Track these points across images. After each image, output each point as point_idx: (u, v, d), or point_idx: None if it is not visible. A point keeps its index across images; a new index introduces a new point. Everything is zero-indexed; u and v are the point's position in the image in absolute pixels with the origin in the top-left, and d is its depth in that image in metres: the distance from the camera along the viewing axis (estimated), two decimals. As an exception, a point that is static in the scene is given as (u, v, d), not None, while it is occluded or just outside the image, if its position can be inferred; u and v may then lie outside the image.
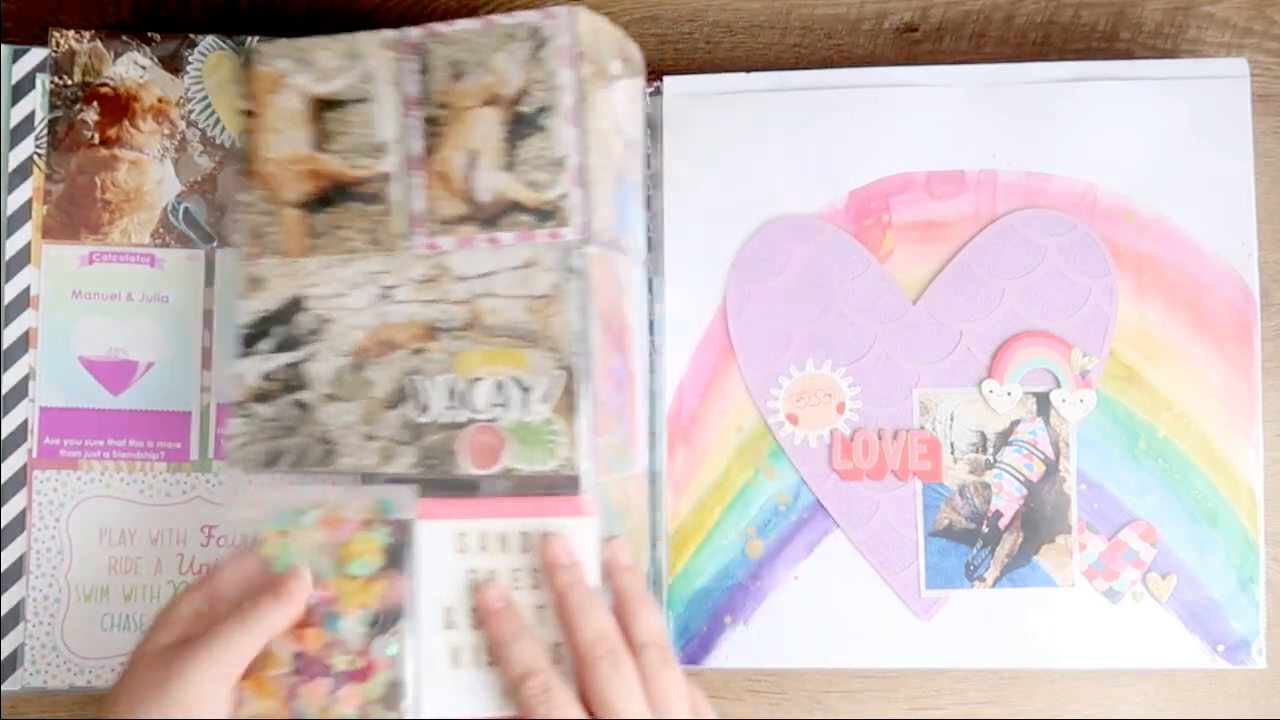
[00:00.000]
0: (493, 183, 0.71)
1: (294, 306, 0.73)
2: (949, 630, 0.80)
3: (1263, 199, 0.81)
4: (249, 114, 0.75)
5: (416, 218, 0.72)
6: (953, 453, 0.80)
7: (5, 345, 0.80)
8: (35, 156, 0.81)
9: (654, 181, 0.83)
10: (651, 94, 0.83)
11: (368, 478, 0.74)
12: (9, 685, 0.79)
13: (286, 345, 0.73)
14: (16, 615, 0.80)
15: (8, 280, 0.80)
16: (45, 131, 0.81)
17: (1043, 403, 0.80)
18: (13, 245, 0.80)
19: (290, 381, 0.72)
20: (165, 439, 0.81)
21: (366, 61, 0.73)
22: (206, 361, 0.81)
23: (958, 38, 0.86)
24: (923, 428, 0.80)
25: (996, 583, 0.80)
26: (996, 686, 0.84)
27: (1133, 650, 0.80)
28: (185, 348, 0.81)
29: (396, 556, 0.68)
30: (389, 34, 0.73)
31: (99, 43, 0.81)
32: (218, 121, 0.81)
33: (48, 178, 0.80)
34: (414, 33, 0.73)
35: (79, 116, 0.81)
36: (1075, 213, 0.80)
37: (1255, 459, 0.79)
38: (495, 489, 0.71)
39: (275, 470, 0.72)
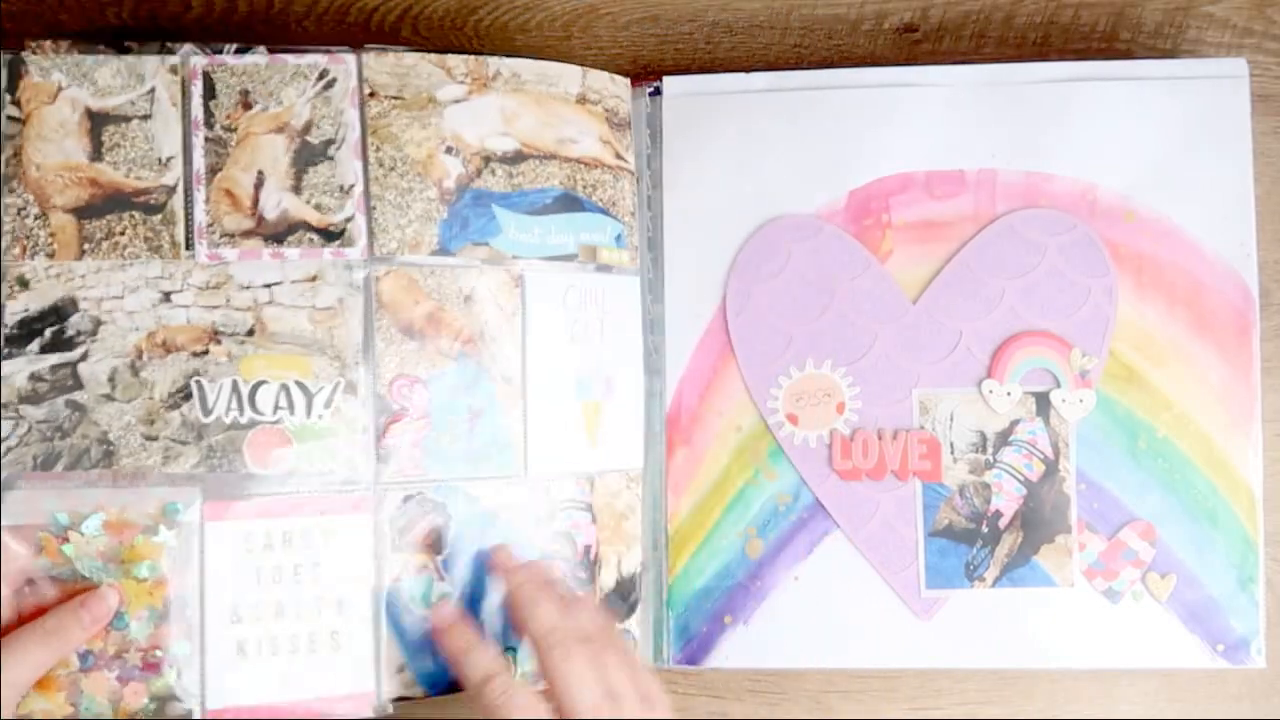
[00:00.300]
0: (280, 202, 0.75)
1: (65, 308, 0.74)
2: (949, 630, 0.80)
3: (1262, 199, 0.82)
4: (18, 121, 0.75)
5: (200, 230, 0.74)
6: (952, 452, 0.80)
7: None
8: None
9: (654, 181, 0.83)
10: (651, 94, 0.83)
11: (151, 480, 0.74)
12: None
13: (56, 346, 0.73)
14: None
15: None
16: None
17: (1042, 402, 0.80)
18: None
19: (62, 382, 0.73)
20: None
21: (149, 82, 0.75)
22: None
23: (958, 38, 0.86)
24: (922, 427, 0.80)
25: (996, 582, 0.80)
26: (996, 686, 0.84)
27: (1132, 650, 0.80)
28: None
29: (183, 557, 0.71)
30: (173, 59, 0.75)
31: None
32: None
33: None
34: (200, 61, 0.75)
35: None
36: (1075, 213, 0.80)
37: (1254, 459, 0.79)
38: (280, 488, 0.73)
39: (52, 472, 0.72)
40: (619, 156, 0.81)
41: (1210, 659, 0.79)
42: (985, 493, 0.80)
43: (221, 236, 0.75)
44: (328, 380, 0.74)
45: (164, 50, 0.76)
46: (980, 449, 0.80)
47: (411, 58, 0.77)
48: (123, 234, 0.74)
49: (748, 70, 0.84)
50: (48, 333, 0.73)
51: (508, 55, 0.79)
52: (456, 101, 0.78)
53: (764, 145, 0.82)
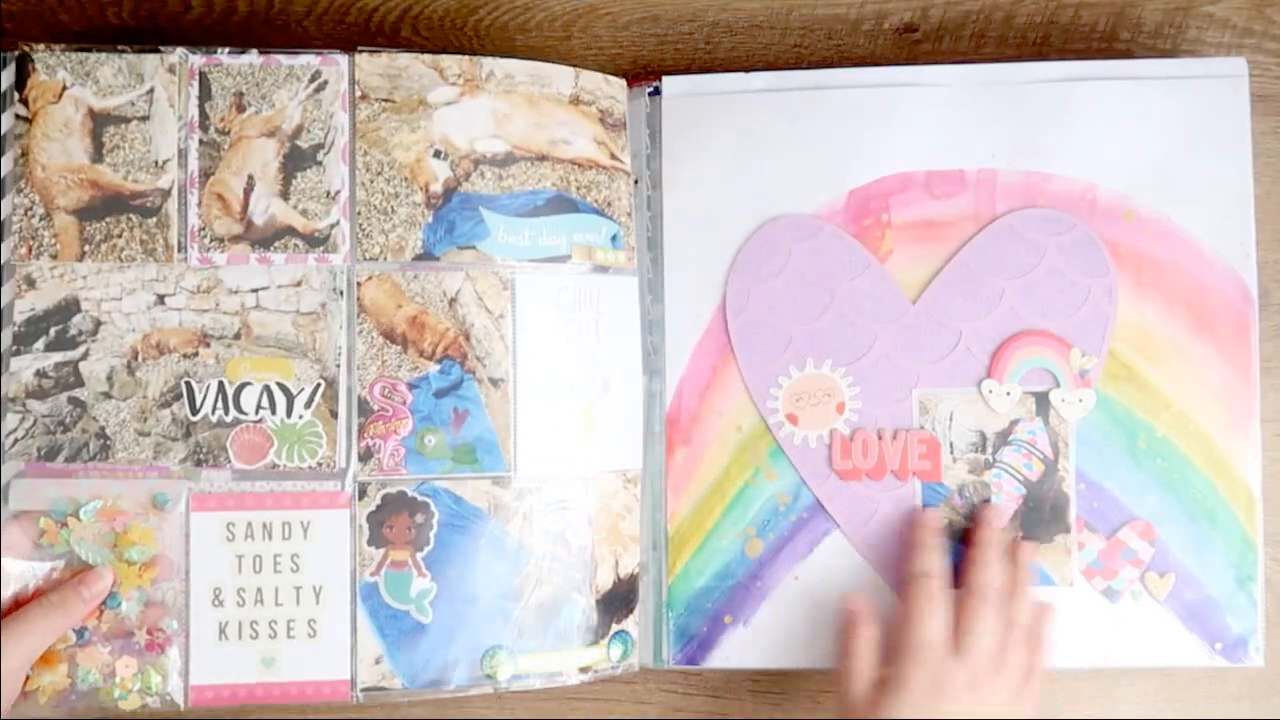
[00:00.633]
0: (268, 207, 0.77)
1: (68, 307, 0.76)
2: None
3: (1262, 199, 0.82)
4: (25, 120, 0.77)
5: (192, 233, 0.77)
6: (952, 452, 0.80)
7: None
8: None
9: (653, 181, 0.83)
10: (651, 94, 0.83)
11: (143, 472, 0.78)
12: None
13: (60, 345, 0.76)
14: None
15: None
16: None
17: (1042, 402, 0.80)
18: None
19: (65, 379, 0.76)
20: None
21: (148, 82, 0.77)
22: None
23: (958, 38, 0.86)
24: (922, 427, 0.80)
25: (996, 582, 0.80)
26: (996, 686, 0.85)
27: (1131, 649, 0.80)
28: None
29: (170, 543, 0.76)
30: (173, 58, 0.77)
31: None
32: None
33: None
34: (197, 60, 0.77)
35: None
36: (1075, 212, 0.80)
37: (1253, 458, 0.79)
38: (261, 483, 0.77)
39: (54, 463, 0.76)
40: (614, 157, 0.81)
41: (1208, 657, 0.79)
42: (985, 492, 0.80)
43: (212, 241, 0.77)
44: (309, 382, 0.77)
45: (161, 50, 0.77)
46: (980, 449, 0.80)
47: (405, 59, 0.78)
48: (120, 236, 0.76)
49: (748, 70, 0.83)
50: (52, 331, 0.76)
51: (507, 55, 0.79)
52: (448, 104, 0.78)
53: (763, 145, 0.82)
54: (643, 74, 0.84)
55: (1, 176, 0.76)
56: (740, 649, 0.81)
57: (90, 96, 0.77)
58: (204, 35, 0.85)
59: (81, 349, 0.76)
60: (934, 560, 0.77)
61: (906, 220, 0.81)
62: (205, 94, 0.77)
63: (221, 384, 0.77)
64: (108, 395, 0.76)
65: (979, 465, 0.80)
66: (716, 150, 0.82)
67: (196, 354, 0.77)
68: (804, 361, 0.81)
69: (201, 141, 0.77)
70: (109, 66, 0.77)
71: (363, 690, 0.77)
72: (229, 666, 0.76)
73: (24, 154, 0.76)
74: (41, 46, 0.76)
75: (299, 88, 0.78)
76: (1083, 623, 0.79)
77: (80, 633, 0.75)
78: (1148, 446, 0.79)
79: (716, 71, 0.84)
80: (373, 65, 0.78)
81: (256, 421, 0.77)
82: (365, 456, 0.77)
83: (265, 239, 0.77)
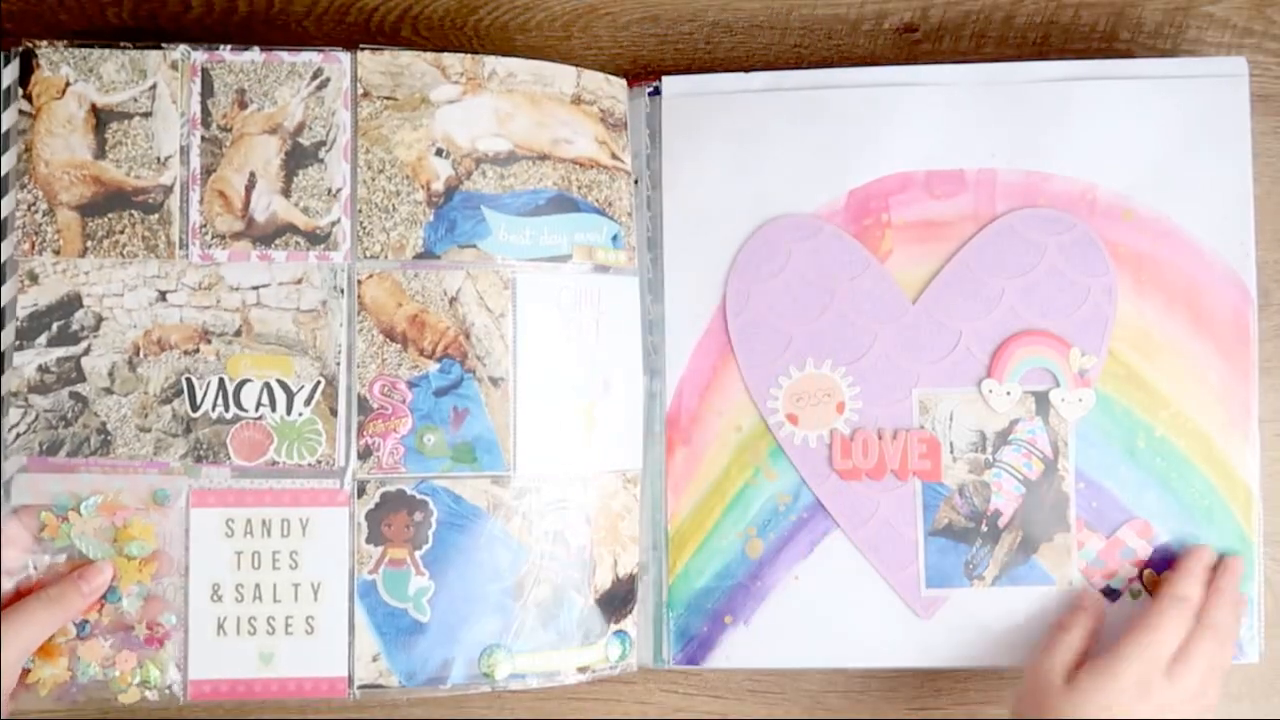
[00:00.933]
0: (269, 205, 0.77)
1: (71, 303, 0.77)
2: (949, 629, 0.80)
3: (1262, 199, 0.82)
4: (28, 116, 0.77)
5: (193, 230, 0.77)
6: (952, 452, 0.80)
7: None
8: None
9: (653, 181, 0.83)
10: (650, 94, 0.83)
11: (144, 468, 0.78)
12: None
13: (62, 340, 0.77)
14: None
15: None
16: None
17: (1042, 402, 0.80)
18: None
19: (67, 375, 0.77)
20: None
21: (151, 78, 0.77)
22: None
23: (958, 38, 0.86)
24: (922, 427, 0.80)
25: (996, 581, 0.80)
26: (996, 686, 0.85)
27: None
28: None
29: (170, 538, 0.77)
30: (175, 54, 0.77)
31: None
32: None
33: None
34: (199, 56, 0.77)
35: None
36: (1074, 212, 0.80)
37: (1252, 458, 0.79)
38: (260, 480, 0.78)
39: (56, 458, 0.76)
40: (615, 157, 0.82)
41: None
42: (985, 492, 0.80)
43: (213, 238, 0.77)
44: (308, 380, 0.77)
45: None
46: (980, 448, 0.80)
47: (406, 56, 0.78)
48: (122, 233, 0.77)
49: (747, 70, 0.83)
50: (55, 327, 0.76)
51: (507, 55, 0.79)
52: (450, 102, 0.78)
53: (763, 145, 0.82)
54: (643, 74, 0.84)
55: (4, 172, 0.76)
56: (741, 649, 0.81)
57: (93, 92, 0.77)
58: (204, 35, 0.85)
59: (83, 344, 0.76)
60: (1196, 590, 0.76)
61: (906, 220, 0.81)
62: (208, 90, 0.77)
63: (222, 381, 0.77)
64: (109, 391, 0.76)
65: (979, 465, 0.80)
66: (716, 150, 0.82)
67: (197, 350, 0.77)
68: (804, 361, 0.81)
69: (204, 138, 0.77)
70: (112, 63, 0.77)
71: (360, 688, 0.77)
72: (227, 662, 0.77)
73: (27, 150, 0.76)
74: (44, 43, 0.77)
75: (301, 85, 0.78)
76: None
77: (81, 626, 0.75)
78: (1147, 446, 0.79)
79: (716, 71, 0.84)
80: (375, 63, 0.78)
81: (256, 419, 0.77)
82: (364, 454, 0.77)
83: (266, 236, 0.77)
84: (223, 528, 0.77)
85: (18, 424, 0.76)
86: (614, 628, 0.81)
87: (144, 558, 0.76)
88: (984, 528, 0.80)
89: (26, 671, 0.74)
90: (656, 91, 0.83)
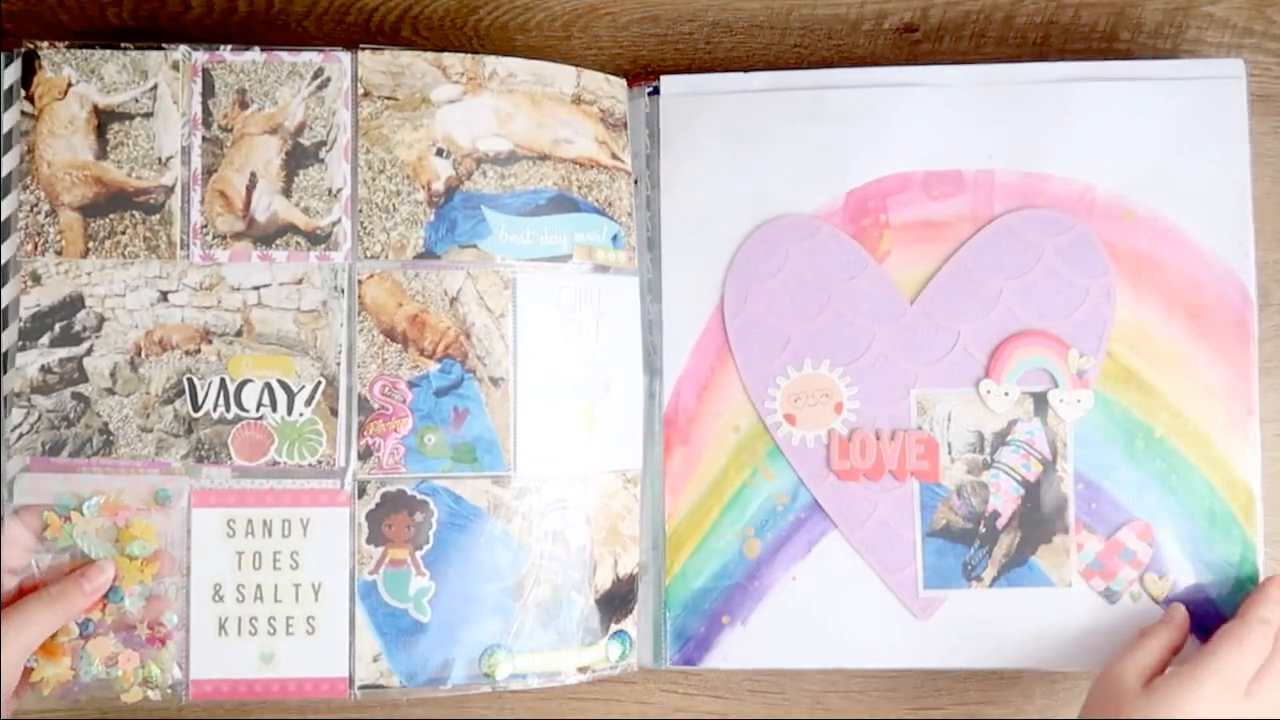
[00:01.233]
0: (270, 205, 0.78)
1: (73, 304, 0.77)
2: (947, 630, 0.80)
3: (1261, 199, 0.81)
4: (30, 117, 0.77)
5: (194, 230, 0.77)
6: (950, 453, 0.80)
7: None
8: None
9: (652, 181, 0.83)
10: (650, 94, 0.83)
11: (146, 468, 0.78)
12: None
13: (65, 340, 0.77)
14: None
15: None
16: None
17: (1040, 403, 0.80)
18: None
19: (69, 375, 0.77)
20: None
21: (152, 78, 0.77)
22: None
23: (958, 38, 0.86)
24: (920, 428, 0.80)
25: (994, 583, 0.80)
26: (996, 686, 0.85)
27: None
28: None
29: (171, 538, 0.77)
30: (176, 54, 0.78)
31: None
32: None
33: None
34: (200, 57, 0.78)
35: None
36: (1073, 213, 0.80)
37: (1253, 458, 0.79)
38: (261, 480, 0.78)
39: (59, 458, 0.77)
40: (615, 157, 0.82)
41: None
42: (983, 493, 0.80)
43: (214, 238, 0.77)
44: (309, 380, 0.77)
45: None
46: (978, 449, 0.80)
47: (407, 56, 0.78)
48: (124, 233, 0.77)
49: (747, 70, 0.83)
50: (57, 327, 0.77)
51: (507, 55, 0.79)
52: (450, 102, 0.78)
53: (762, 145, 0.82)
54: (643, 74, 0.84)
55: (5, 173, 0.77)
56: (738, 649, 0.81)
57: (95, 93, 0.77)
58: (204, 35, 0.85)
59: (85, 345, 0.77)
60: (1279, 614, 0.76)
61: (904, 221, 0.81)
62: (208, 91, 0.78)
63: (223, 381, 0.77)
64: (111, 391, 0.77)
65: (977, 466, 0.80)
66: (715, 150, 0.82)
67: (199, 351, 0.77)
68: (802, 362, 0.81)
69: (204, 138, 0.77)
70: (114, 63, 0.77)
71: (361, 688, 0.77)
72: (228, 662, 0.77)
73: (30, 151, 0.77)
74: (46, 44, 0.77)
75: (302, 85, 0.78)
76: (1082, 624, 0.79)
77: (84, 625, 0.75)
78: (1146, 447, 0.79)
79: (716, 71, 0.84)
80: (375, 63, 0.78)
81: (257, 419, 0.77)
82: (365, 455, 0.77)
83: (267, 236, 0.77)
84: (224, 528, 0.77)
85: (20, 424, 0.76)
86: (614, 628, 0.81)
87: (146, 558, 0.76)
88: (982, 529, 0.80)
89: (30, 670, 0.75)
90: (656, 91, 0.83)
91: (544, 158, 0.79)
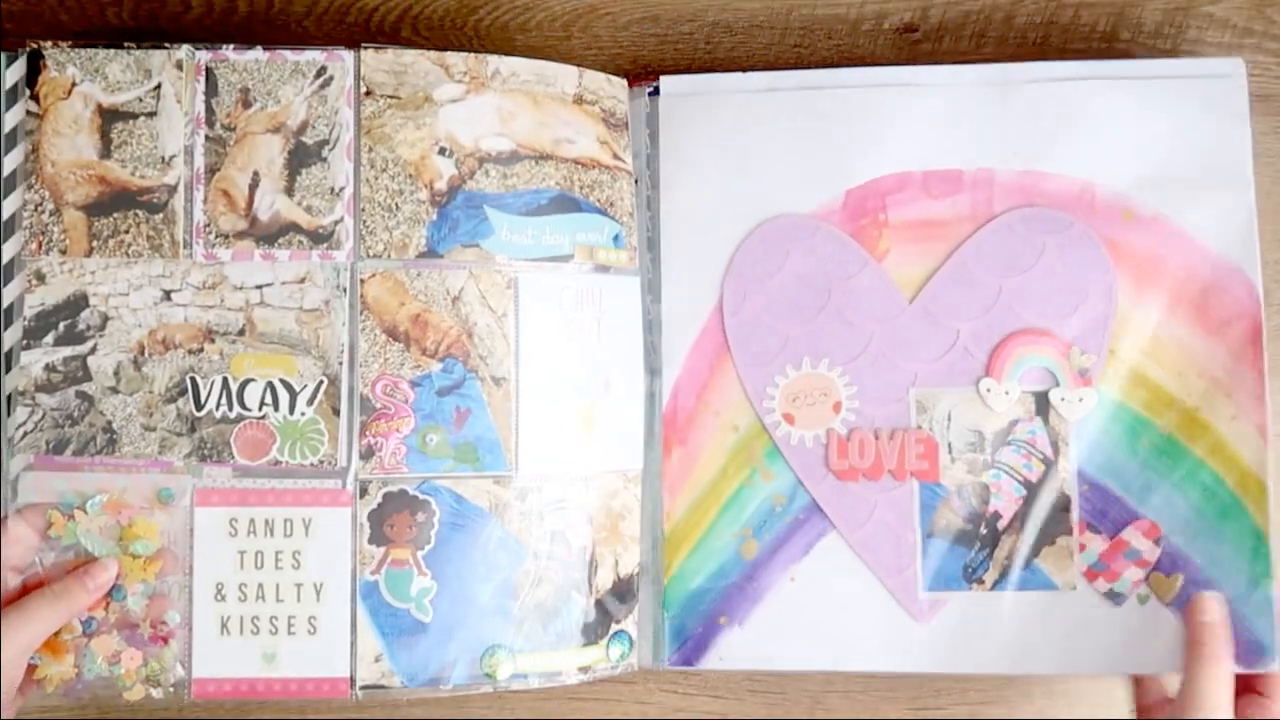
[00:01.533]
0: (273, 204, 0.78)
1: (77, 302, 0.77)
2: (948, 633, 0.79)
3: (1262, 199, 0.80)
4: (35, 116, 0.78)
5: (197, 229, 0.78)
6: (950, 452, 0.80)
7: None
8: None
9: (652, 181, 0.83)
10: (650, 94, 0.83)
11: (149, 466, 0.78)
12: None
13: (69, 339, 0.77)
14: None
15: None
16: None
17: (1041, 402, 0.79)
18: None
19: (73, 374, 0.77)
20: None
21: (156, 77, 0.78)
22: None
23: (958, 38, 0.86)
24: (919, 427, 0.80)
25: (996, 585, 0.79)
26: (997, 687, 0.84)
27: (1138, 655, 0.78)
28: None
29: (174, 538, 0.77)
30: (180, 54, 0.78)
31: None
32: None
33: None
34: (204, 56, 0.78)
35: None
36: (1073, 212, 0.80)
37: (1263, 451, 0.77)
38: (264, 480, 0.78)
39: (63, 456, 0.77)
40: (616, 157, 0.82)
41: None
42: (983, 493, 0.79)
43: (217, 237, 0.77)
44: (311, 379, 0.78)
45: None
46: (978, 449, 0.79)
47: (410, 55, 0.78)
48: (127, 232, 0.77)
49: (747, 70, 0.83)
50: (61, 326, 0.77)
51: (507, 55, 0.79)
52: (453, 101, 0.78)
53: (762, 145, 0.82)
54: (643, 74, 0.84)
55: (8, 173, 0.77)
56: (735, 650, 0.80)
57: (99, 92, 0.78)
58: (204, 35, 0.86)
59: (89, 344, 0.77)
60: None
61: (904, 220, 0.81)
62: (211, 90, 0.78)
63: (226, 380, 0.77)
64: (114, 390, 0.77)
65: (977, 465, 0.79)
66: (715, 150, 0.82)
67: (201, 350, 0.77)
68: (800, 361, 0.81)
69: (207, 137, 0.78)
70: (117, 63, 0.78)
71: (362, 688, 0.77)
72: (230, 661, 0.77)
73: (34, 150, 0.77)
74: (50, 44, 0.77)
75: (304, 84, 0.78)
76: (1086, 627, 0.78)
77: (87, 623, 0.76)
78: (1151, 445, 0.79)
79: (716, 71, 0.84)
80: (378, 61, 0.78)
81: (260, 418, 0.77)
82: (367, 454, 0.77)
83: (270, 235, 0.77)
84: (226, 527, 0.77)
85: (25, 422, 0.77)
86: (615, 628, 0.81)
87: (149, 556, 0.76)
88: (983, 530, 0.79)
89: (33, 668, 0.75)
90: (656, 91, 0.83)
91: (546, 157, 0.79)
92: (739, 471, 0.81)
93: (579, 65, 0.81)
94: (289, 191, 0.78)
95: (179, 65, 0.78)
